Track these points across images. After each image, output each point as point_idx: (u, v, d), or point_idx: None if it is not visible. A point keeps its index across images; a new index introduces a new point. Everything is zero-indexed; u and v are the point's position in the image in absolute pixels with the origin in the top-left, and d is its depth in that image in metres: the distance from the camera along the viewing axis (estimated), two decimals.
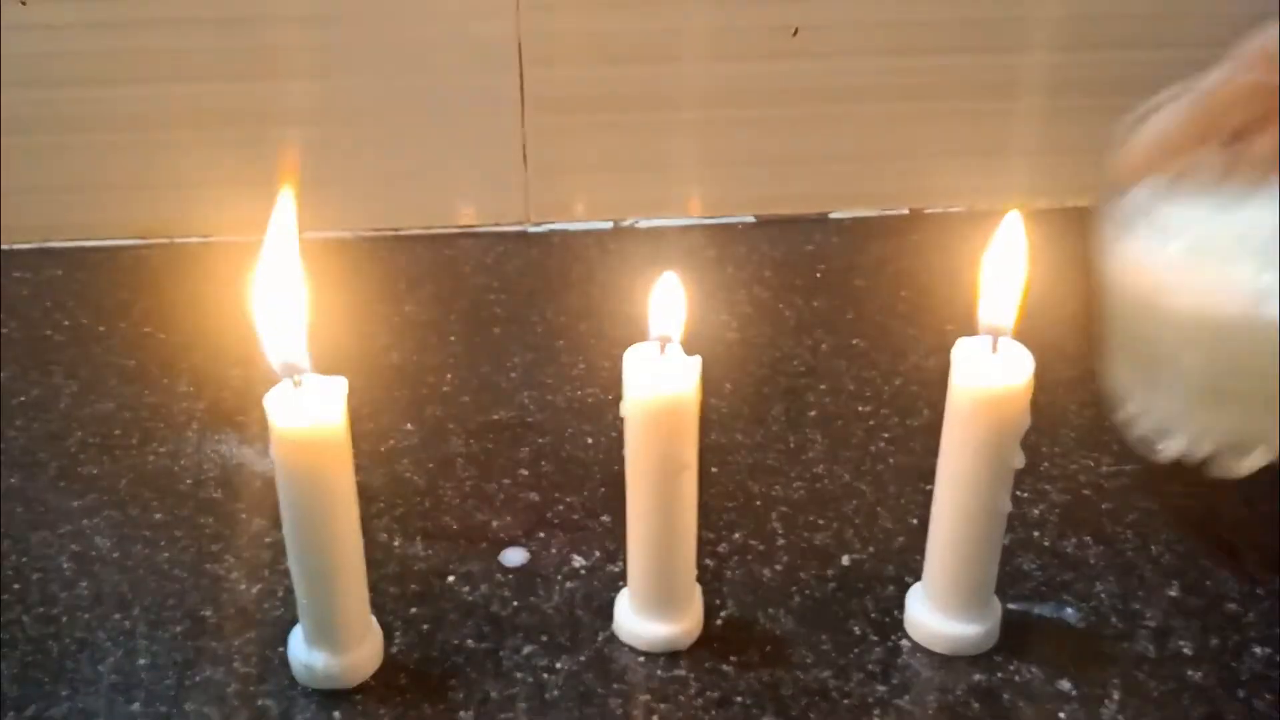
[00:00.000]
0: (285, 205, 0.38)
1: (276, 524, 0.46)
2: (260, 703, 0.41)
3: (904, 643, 0.43)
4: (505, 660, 0.43)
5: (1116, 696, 0.41)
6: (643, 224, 0.69)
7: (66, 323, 0.61)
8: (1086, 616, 0.44)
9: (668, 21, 0.64)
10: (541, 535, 0.48)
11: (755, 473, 0.51)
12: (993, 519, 0.41)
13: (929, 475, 0.42)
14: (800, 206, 0.69)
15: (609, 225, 0.69)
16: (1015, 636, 0.43)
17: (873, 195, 0.69)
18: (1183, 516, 0.49)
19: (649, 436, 0.40)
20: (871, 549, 0.47)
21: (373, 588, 0.43)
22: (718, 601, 0.45)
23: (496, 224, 0.69)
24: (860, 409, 0.54)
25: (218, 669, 0.42)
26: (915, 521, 0.48)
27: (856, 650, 0.43)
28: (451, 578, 0.46)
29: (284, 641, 0.42)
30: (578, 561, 0.47)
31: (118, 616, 0.44)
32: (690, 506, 0.41)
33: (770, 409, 0.55)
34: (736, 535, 0.48)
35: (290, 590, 0.42)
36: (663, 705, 0.41)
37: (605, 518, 0.49)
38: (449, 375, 0.57)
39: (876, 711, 0.41)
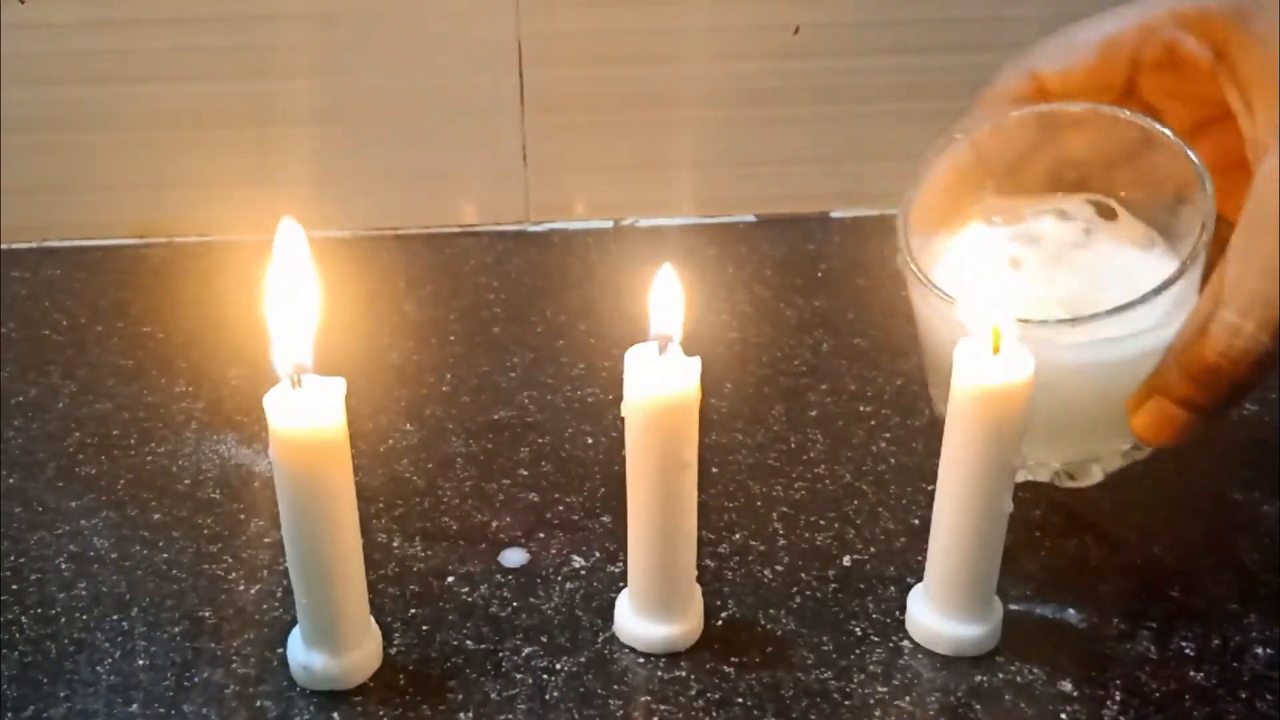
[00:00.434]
0: (291, 228, 0.39)
1: (275, 524, 0.46)
2: (259, 704, 0.41)
3: (905, 643, 0.43)
4: (505, 661, 0.43)
5: (1118, 697, 0.41)
6: (643, 224, 0.69)
7: (65, 322, 0.61)
8: (1088, 617, 0.44)
9: (668, 21, 0.64)
10: (541, 535, 0.48)
11: (756, 473, 0.51)
12: (994, 519, 0.41)
13: (930, 475, 0.42)
14: (801, 206, 0.69)
15: (609, 225, 0.69)
16: (1017, 637, 0.43)
17: (873, 195, 0.69)
18: (1183, 516, 0.49)
19: (649, 436, 0.39)
20: (873, 549, 0.47)
21: (372, 588, 0.43)
22: (718, 602, 0.45)
23: (496, 224, 0.69)
24: (862, 409, 0.54)
25: (216, 670, 0.42)
26: (917, 522, 0.48)
27: (858, 651, 0.43)
28: (451, 578, 0.46)
29: (283, 642, 0.42)
30: (578, 562, 0.47)
31: (116, 617, 0.44)
32: (690, 507, 0.41)
33: (771, 409, 0.54)
34: (737, 536, 0.48)
35: (289, 591, 0.41)
36: (663, 706, 0.41)
37: (605, 518, 0.49)
38: (449, 375, 0.57)
39: (878, 712, 0.41)
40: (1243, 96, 0.42)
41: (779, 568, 0.46)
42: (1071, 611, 0.44)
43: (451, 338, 0.59)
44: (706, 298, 0.61)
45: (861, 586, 0.46)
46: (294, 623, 0.42)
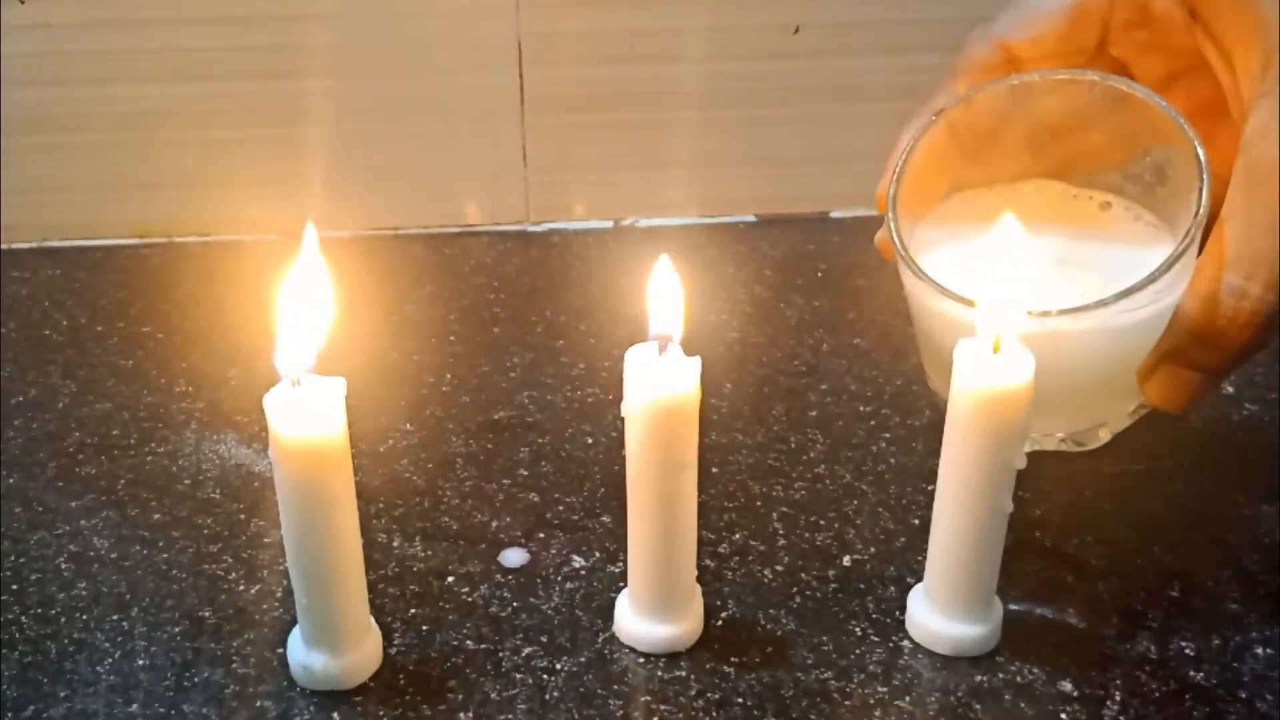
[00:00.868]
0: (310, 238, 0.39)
1: (275, 524, 0.46)
2: (259, 704, 0.41)
3: (905, 643, 0.43)
4: (505, 661, 0.43)
5: (1118, 697, 0.41)
6: (643, 224, 0.69)
7: (65, 322, 0.61)
8: (1088, 617, 0.44)
9: (668, 21, 0.64)
10: (541, 535, 0.48)
11: (756, 473, 0.51)
12: (994, 519, 0.41)
13: (930, 475, 0.42)
14: (801, 206, 0.69)
15: (609, 225, 0.69)
16: (1017, 637, 0.43)
17: (874, 195, 0.69)
18: (1183, 516, 0.49)
19: (649, 436, 0.39)
20: (873, 549, 0.47)
21: (372, 588, 0.43)
22: (718, 602, 0.45)
23: (496, 224, 0.69)
24: (862, 409, 0.54)
25: (216, 670, 0.42)
26: (917, 522, 0.48)
27: (857, 651, 0.43)
28: (451, 578, 0.46)
29: (283, 642, 0.42)
30: (578, 562, 0.47)
31: (116, 617, 0.44)
32: (690, 507, 0.41)
33: (771, 409, 0.54)
34: (737, 535, 0.48)
35: (289, 591, 0.41)
36: (663, 706, 0.41)
37: (605, 518, 0.49)
38: (449, 375, 0.57)
39: (878, 713, 0.41)
40: (1219, 48, 0.41)
41: (779, 568, 0.46)
42: (1071, 611, 0.44)
43: (451, 338, 0.59)
44: (706, 298, 0.61)
45: (861, 586, 0.45)
46: (294, 623, 0.42)
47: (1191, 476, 0.50)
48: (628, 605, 0.43)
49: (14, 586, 0.45)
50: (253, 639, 0.43)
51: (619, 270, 0.65)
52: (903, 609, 0.44)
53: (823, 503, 0.49)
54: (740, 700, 0.41)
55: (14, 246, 0.67)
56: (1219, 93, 0.42)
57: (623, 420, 0.40)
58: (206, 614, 0.44)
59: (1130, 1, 0.43)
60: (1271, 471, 0.51)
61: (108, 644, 0.43)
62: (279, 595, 0.45)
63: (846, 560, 0.47)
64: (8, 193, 0.66)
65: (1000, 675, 0.42)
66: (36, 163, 0.65)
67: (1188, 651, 0.43)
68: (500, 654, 0.43)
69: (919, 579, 0.44)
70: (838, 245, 0.67)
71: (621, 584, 0.45)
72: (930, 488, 0.42)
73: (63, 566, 0.46)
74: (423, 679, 0.42)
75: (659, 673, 0.42)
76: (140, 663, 0.42)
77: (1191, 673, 0.42)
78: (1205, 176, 0.40)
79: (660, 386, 0.39)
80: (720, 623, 0.44)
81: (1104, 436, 0.46)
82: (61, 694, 0.41)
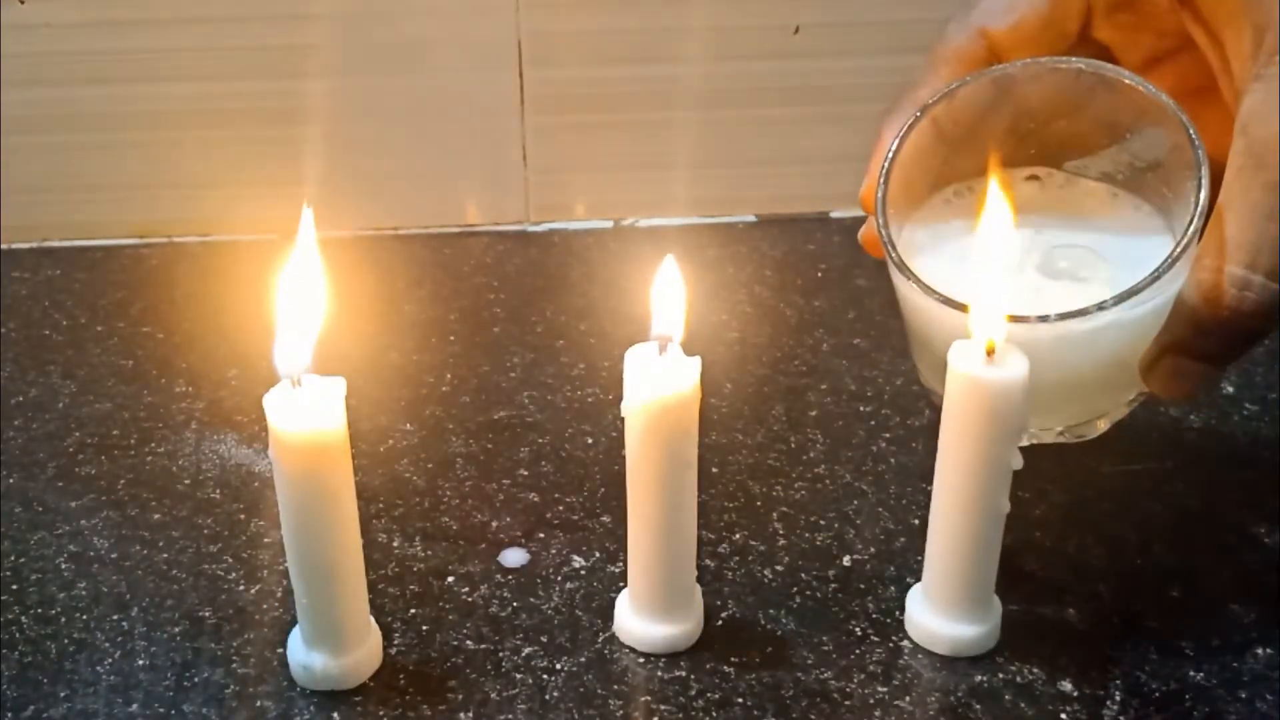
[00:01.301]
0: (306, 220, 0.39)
1: (275, 524, 0.46)
2: (259, 704, 0.41)
3: (905, 643, 0.43)
4: (505, 661, 0.43)
5: (1118, 697, 0.41)
6: (643, 224, 0.69)
7: (65, 322, 0.61)
8: (1088, 617, 0.44)
9: (668, 21, 0.64)
10: (541, 535, 0.48)
11: (756, 473, 0.51)
12: (992, 519, 0.41)
13: (930, 475, 0.42)
14: (801, 206, 0.69)
15: (609, 225, 0.69)
16: (1016, 637, 0.43)
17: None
18: (1183, 517, 0.49)
19: (649, 436, 0.39)
20: (873, 549, 0.47)
21: (372, 588, 0.43)
22: (718, 602, 0.45)
23: (496, 224, 0.69)
24: (861, 409, 0.54)
25: (216, 670, 0.42)
26: (916, 522, 0.48)
27: (857, 651, 0.43)
28: (451, 578, 0.46)
29: (283, 642, 0.42)
30: (578, 562, 0.47)
31: (116, 617, 0.44)
32: (691, 507, 0.41)
33: (771, 409, 0.54)
34: (737, 535, 0.48)
35: (289, 591, 0.41)
36: (663, 706, 0.41)
37: (605, 518, 0.49)
38: (449, 375, 0.57)
39: (877, 712, 0.41)
40: (1207, 29, 0.40)
41: (779, 568, 0.46)
42: (1071, 611, 0.44)
43: (451, 338, 0.59)
44: (706, 298, 0.61)
45: (861, 586, 0.45)
46: (294, 623, 0.42)
47: (1191, 476, 0.50)
48: (628, 605, 0.43)
49: (14, 586, 0.45)
50: (253, 639, 0.43)
51: (619, 270, 0.64)
52: (902, 609, 0.44)
53: (823, 503, 0.49)
54: (740, 700, 0.41)
55: (14, 246, 0.66)
56: (1206, 74, 0.41)
57: (623, 420, 0.40)
58: (206, 614, 0.44)
59: None
60: (1271, 471, 0.51)
61: (108, 644, 0.43)
62: (279, 595, 0.45)
63: (846, 560, 0.47)
64: (8, 193, 0.66)
65: (1000, 675, 0.42)
66: (36, 163, 0.65)
67: (1188, 651, 0.43)
68: (500, 654, 0.43)
69: (919, 579, 0.44)
70: (838, 245, 0.67)
71: (621, 584, 0.45)
72: (930, 488, 0.42)
73: (63, 566, 0.46)
74: (423, 679, 0.42)
75: (659, 673, 0.42)
76: (140, 663, 0.42)
77: (1191, 673, 0.42)
78: (1204, 170, 0.40)
79: (660, 386, 0.39)
80: (720, 623, 0.44)
81: (1102, 427, 0.45)
82: (61, 694, 0.41)
